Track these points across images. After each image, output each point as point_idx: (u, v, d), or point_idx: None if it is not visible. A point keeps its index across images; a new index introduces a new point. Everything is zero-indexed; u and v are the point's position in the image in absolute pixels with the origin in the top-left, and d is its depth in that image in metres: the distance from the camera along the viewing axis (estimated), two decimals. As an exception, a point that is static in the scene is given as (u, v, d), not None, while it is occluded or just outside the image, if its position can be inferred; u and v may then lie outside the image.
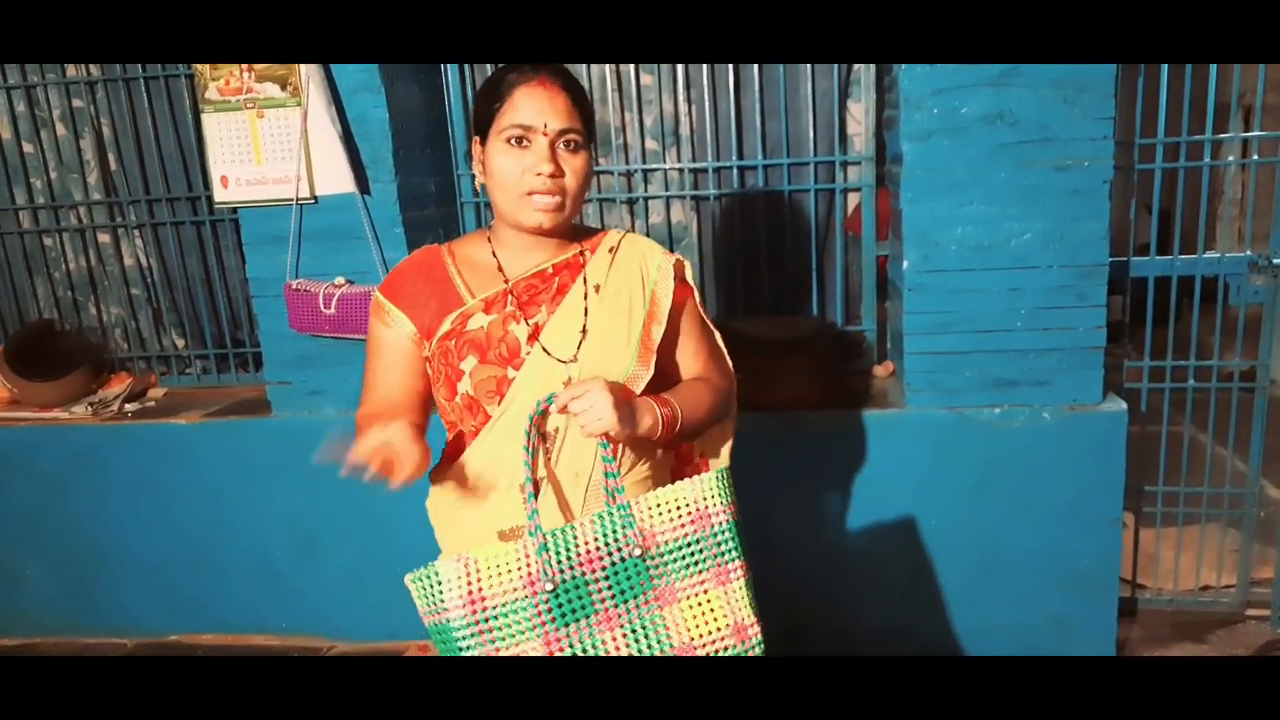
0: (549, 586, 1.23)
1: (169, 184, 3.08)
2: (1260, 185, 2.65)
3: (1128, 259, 2.56)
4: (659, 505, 1.29)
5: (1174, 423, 2.66)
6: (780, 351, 2.52)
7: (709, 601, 1.28)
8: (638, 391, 1.42)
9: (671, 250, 1.59)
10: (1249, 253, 2.55)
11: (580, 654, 1.24)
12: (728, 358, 1.60)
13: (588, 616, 1.25)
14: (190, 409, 2.94)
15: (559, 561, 1.24)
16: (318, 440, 3.03)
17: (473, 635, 1.24)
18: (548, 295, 1.44)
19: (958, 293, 2.36)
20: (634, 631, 1.26)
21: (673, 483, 1.57)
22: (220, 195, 2.63)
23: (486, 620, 1.24)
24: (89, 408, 2.99)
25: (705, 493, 1.30)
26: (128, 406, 3.02)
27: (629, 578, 1.26)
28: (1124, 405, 2.39)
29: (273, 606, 2.92)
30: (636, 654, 1.25)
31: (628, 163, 2.83)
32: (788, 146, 2.74)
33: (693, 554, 1.28)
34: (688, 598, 1.28)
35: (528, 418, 1.32)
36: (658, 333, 1.46)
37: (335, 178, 2.54)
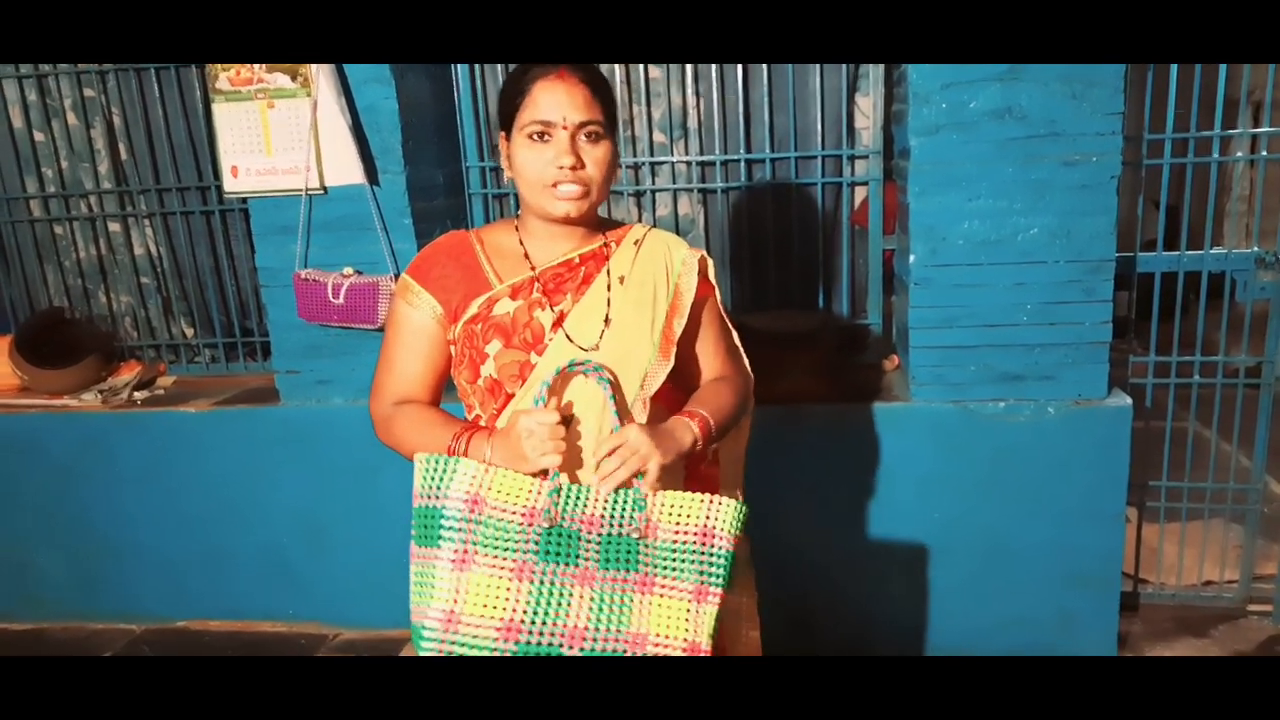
0: (544, 524, 1.28)
1: (179, 173, 3.10)
2: (1268, 181, 2.65)
3: (1134, 254, 2.56)
4: (673, 507, 1.33)
5: (1179, 418, 2.66)
6: (786, 345, 2.53)
7: (677, 609, 1.31)
8: (658, 383, 1.44)
9: (677, 243, 1.60)
10: (1256, 249, 2.55)
11: (545, 592, 1.28)
12: (745, 356, 1.62)
13: (567, 564, 1.29)
14: (199, 397, 2.96)
15: (564, 509, 1.29)
16: (326, 429, 3.07)
17: (457, 530, 1.28)
18: (573, 284, 1.46)
19: (964, 287, 2.37)
20: (600, 597, 1.29)
21: (686, 477, 1.59)
22: (230, 185, 2.64)
23: (477, 521, 1.28)
24: (98, 395, 3.01)
25: (718, 516, 1.33)
26: (137, 394, 3.04)
27: (619, 551, 1.31)
28: (1129, 400, 2.39)
29: (280, 593, 2.94)
30: (594, 619, 1.28)
31: (635, 155, 2.83)
32: (795, 140, 2.74)
33: (683, 560, 1.31)
34: (661, 596, 1.31)
35: (543, 383, 1.35)
36: (679, 326, 1.48)
37: (345, 168, 2.55)
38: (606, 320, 1.43)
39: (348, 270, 2.61)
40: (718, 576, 1.32)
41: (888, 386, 2.61)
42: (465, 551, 1.28)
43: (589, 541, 1.30)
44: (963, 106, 2.27)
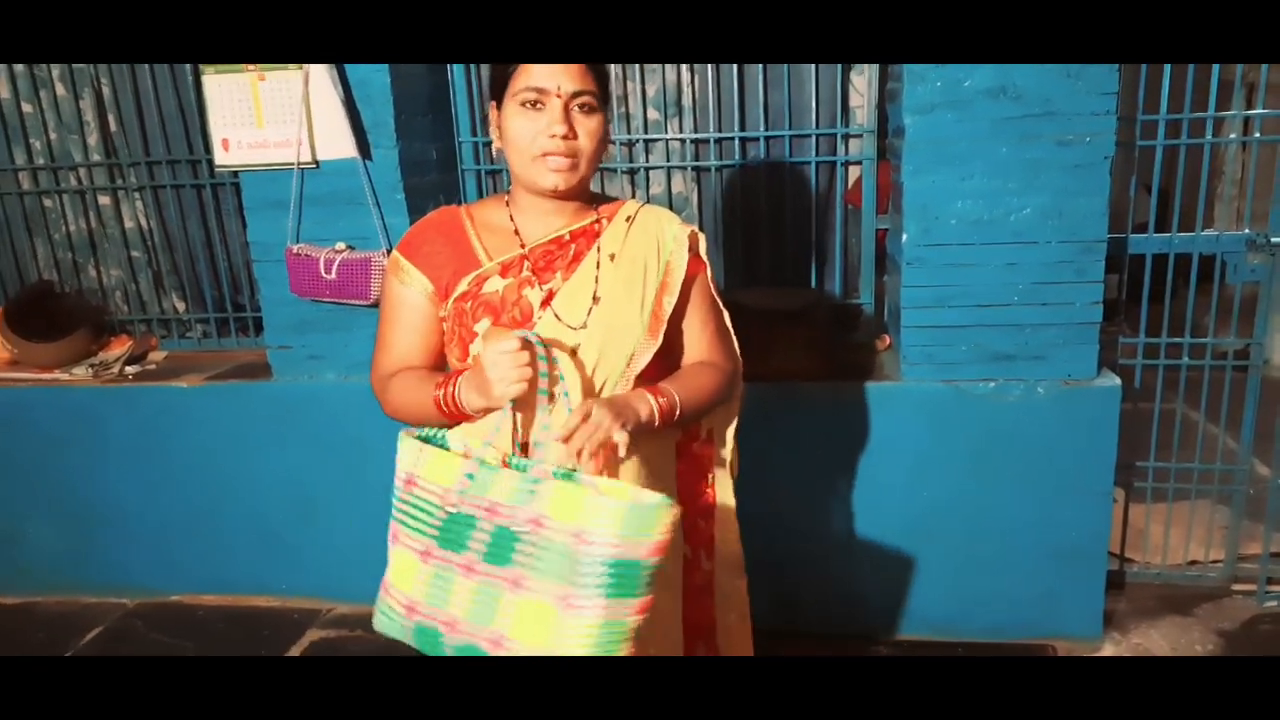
0: (446, 510, 1.26)
1: (169, 146, 3.08)
2: (1261, 164, 2.64)
3: (1126, 236, 2.57)
4: (559, 501, 1.18)
5: (1167, 400, 2.68)
6: (778, 323, 2.53)
7: (538, 612, 1.17)
8: (644, 362, 1.44)
9: (672, 221, 1.59)
10: (1247, 231, 2.56)
11: (437, 577, 1.26)
12: (734, 339, 1.60)
13: (457, 552, 1.24)
14: (190, 372, 2.95)
15: (473, 494, 1.24)
16: (317, 405, 3.06)
17: (396, 507, 1.32)
18: (563, 262, 1.45)
19: (956, 267, 2.37)
20: (477, 590, 1.22)
21: (677, 459, 1.56)
22: (221, 158, 2.62)
23: (408, 500, 1.30)
24: (89, 369, 3.00)
25: (596, 518, 1.15)
26: (128, 369, 3.03)
27: (501, 545, 1.21)
28: (1118, 381, 2.41)
29: (273, 568, 2.95)
30: (467, 611, 1.22)
31: (629, 132, 2.82)
32: (790, 118, 2.73)
33: (546, 559, 1.17)
34: (525, 596, 1.18)
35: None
36: (669, 303, 1.47)
37: (337, 142, 2.53)
38: (595, 298, 1.43)
39: (340, 245, 2.59)
40: (594, 586, 1.13)
41: (879, 366, 2.62)
42: (397, 528, 1.32)
43: (483, 531, 1.22)
44: (958, 85, 2.26)
